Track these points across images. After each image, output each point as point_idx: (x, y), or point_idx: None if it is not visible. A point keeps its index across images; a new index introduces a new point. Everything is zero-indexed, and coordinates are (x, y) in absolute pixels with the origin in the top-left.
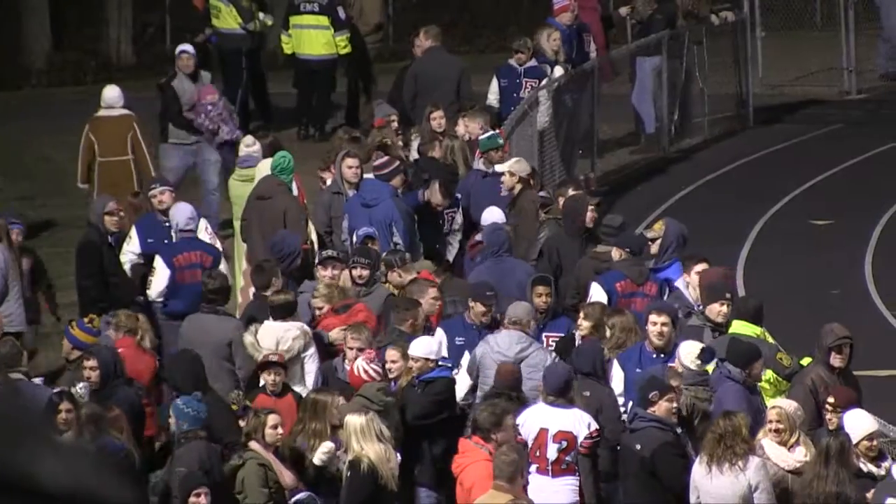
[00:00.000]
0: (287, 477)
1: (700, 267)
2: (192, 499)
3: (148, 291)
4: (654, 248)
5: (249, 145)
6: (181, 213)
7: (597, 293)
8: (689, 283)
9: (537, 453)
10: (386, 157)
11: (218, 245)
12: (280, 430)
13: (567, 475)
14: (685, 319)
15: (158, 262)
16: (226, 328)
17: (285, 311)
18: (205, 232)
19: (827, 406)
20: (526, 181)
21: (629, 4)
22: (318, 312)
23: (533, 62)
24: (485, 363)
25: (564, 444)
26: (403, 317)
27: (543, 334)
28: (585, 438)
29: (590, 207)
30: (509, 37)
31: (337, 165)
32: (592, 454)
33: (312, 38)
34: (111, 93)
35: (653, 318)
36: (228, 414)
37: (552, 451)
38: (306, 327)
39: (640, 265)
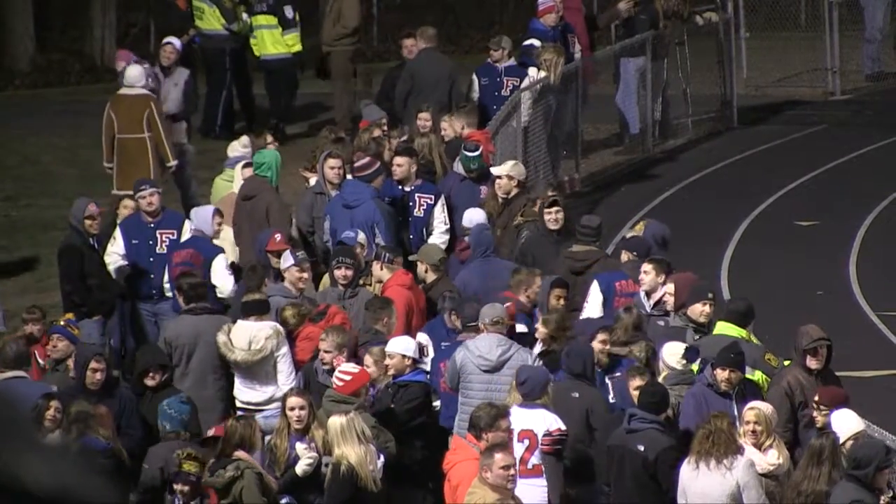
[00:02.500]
0: (274, 483)
1: (646, 267)
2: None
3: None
4: None
5: (246, 146)
6: (200, 214)
7: (594, 291)
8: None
9: None
10: (367, 159)
11: None
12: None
13: (533, 476)
14: (668, 320)
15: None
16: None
17: (257, 310)
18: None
19: (814, 404)
20: (522, 185)
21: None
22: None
23: (512, 61)
24: (466, 369)
25: (527, 442)
26: (378, 316)
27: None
28: (544, 436)
29: (547, 210)
30: (494, 37)
31: (320, 166)
32: (557, 454)
33: (266, 38)
34: (133, 72)
35: (601, 336)
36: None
37: (518, 451)
38: (279, 326)
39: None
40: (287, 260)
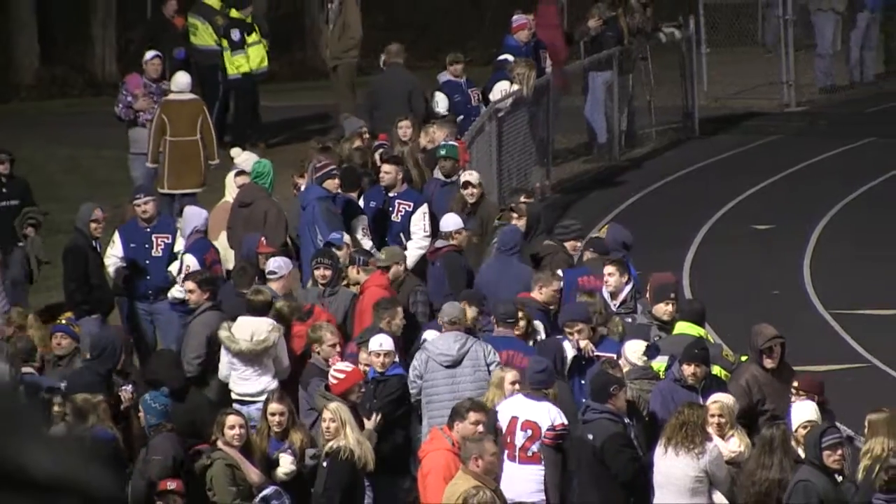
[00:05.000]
0: (254, 474)
1: (609, 269)
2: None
3: (177, 290)
4: None
5: (235, 156)
6: (196, 214)
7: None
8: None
9: (508, 440)
10: (324, 161)
11: None
12: (238, 431)
13: (532, 464)
14: (635, 317)
15: (191, 260)
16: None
17: (262, 312)
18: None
19: (793, 390)
20: (481, 190)
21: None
22: None
23: (464, 77)
24: (429, 367)
25: (529, 432)
26: (382, 315)
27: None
28: (548, 430)
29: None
30: (470, 52)
31: (309, 174)
32: (557, 447)
33: (223, 58)
34: (183, 79)
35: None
36: (212, 410)
37: (519, 439)
38: (276, 322)
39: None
40: (271, 265)
